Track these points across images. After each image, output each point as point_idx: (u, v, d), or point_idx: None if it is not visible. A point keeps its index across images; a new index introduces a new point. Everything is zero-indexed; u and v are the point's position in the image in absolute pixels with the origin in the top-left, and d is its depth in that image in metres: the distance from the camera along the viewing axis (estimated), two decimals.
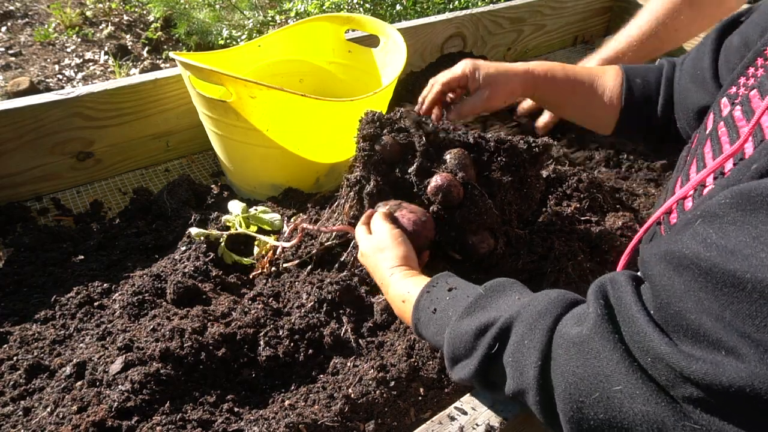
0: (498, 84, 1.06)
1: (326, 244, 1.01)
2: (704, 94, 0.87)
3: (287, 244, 1.02)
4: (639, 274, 0.60)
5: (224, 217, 1.09)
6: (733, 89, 0.71)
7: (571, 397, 0.53)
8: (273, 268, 1.03)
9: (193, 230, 1.05)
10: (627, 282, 0.55)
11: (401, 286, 0.80)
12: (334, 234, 1.01)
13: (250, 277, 1.04)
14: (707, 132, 0.71)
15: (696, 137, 0.76)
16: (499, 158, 0.94)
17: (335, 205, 1.04)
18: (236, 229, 1.07)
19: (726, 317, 0.44)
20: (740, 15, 0.83)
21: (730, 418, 0.44)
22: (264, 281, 1.01)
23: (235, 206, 1.10)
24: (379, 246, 0.85)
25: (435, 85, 1.12)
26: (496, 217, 0.93)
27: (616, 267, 0.78)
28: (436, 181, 0.90)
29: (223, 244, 1.05)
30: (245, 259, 1.06)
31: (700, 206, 0.55)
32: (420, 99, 1.15)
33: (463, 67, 1.09)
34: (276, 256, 1.04)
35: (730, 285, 0.44)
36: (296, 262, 1.01)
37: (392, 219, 0.89)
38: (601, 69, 1.06)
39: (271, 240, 1.04)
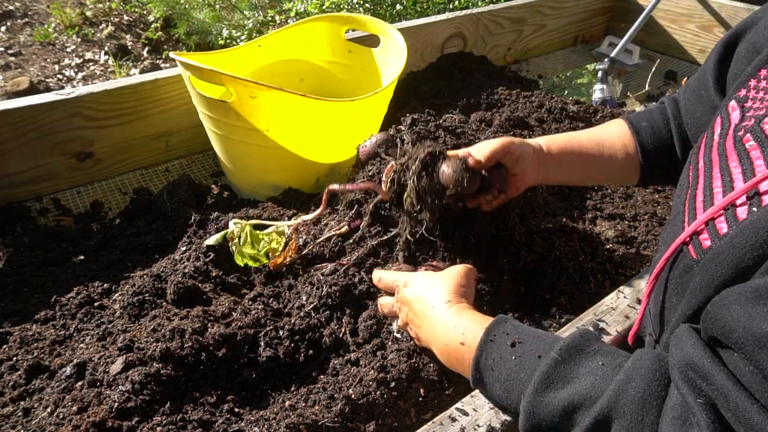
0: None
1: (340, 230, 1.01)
2: (711, 113, 0.82)
3: (311, 216, 1.01)
4: (701, 327, 0.55)
5: (230, 228, 1.07)
6: (743, 92, 0.68)
7: None
8: (288, 260, 1.01)
9: (209, 240, 1.03)
10: (714, 365, 0.50)
11: (448, 331, 0.75)
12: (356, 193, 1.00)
13: (270, 266, 1.01)
14: (715, 138, 0.68)
15: (703, 142, 0.71)
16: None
17: (354, 165, 1.05)
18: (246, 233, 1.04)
19: None
20: (744, 28, 0.78)
21: None
22: (264, 281, 1.01)
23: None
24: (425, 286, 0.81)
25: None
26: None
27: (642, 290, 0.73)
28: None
29: (237, 241, 1.01)
30: (260, 253, 1.02)
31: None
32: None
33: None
34: (296, 253, 1.01)
35: None
36: (324, 237, 1.00)
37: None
38: (602, 127, 1.01)
39: (291, 222, 1.02)
